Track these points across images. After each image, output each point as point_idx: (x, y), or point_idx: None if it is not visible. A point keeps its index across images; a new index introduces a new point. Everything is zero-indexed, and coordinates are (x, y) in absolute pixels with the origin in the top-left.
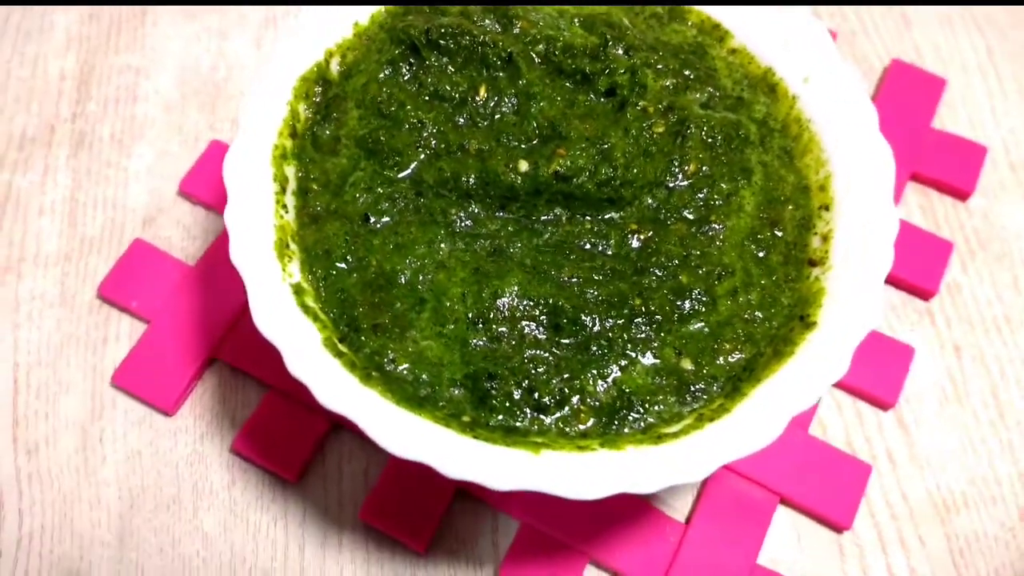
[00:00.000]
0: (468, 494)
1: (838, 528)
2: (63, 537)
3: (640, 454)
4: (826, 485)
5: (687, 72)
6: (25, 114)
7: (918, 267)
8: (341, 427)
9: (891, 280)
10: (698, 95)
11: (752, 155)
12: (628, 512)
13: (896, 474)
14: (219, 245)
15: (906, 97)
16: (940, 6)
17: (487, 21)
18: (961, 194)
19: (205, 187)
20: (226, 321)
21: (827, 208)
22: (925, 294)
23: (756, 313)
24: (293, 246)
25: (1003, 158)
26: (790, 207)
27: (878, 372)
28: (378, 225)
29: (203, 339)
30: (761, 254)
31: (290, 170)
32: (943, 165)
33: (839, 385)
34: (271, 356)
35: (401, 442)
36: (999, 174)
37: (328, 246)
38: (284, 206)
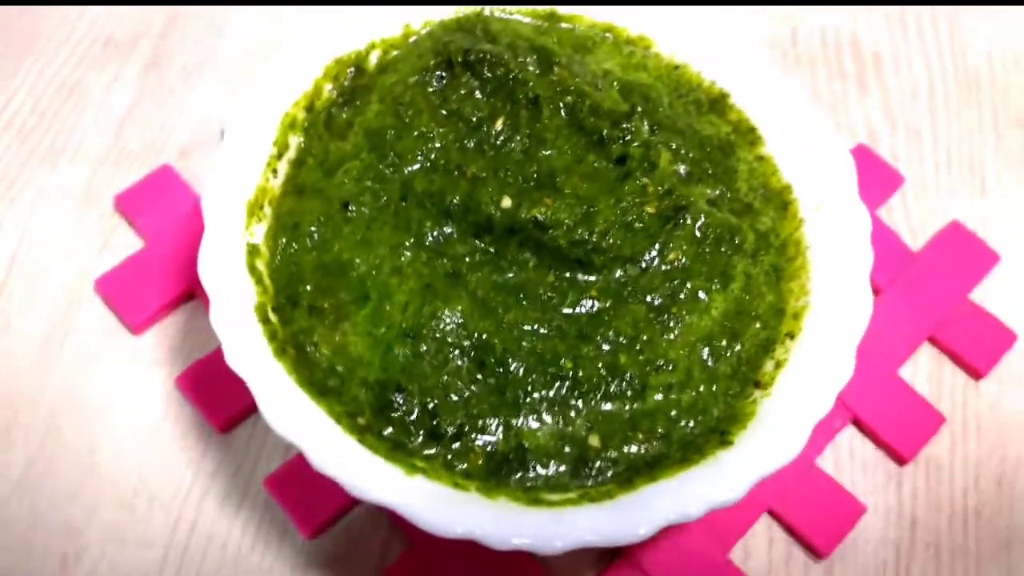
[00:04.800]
0: None
1: None
2: (6, 403)
3: (508, 509)
4: None
5: (706, 165)
6: (121, 19)
7: (901, 431)
8: None
9: (870, 434)
10: (709, 190)
11: (739, 264)
12: None
13: None
14: None
15: (952, 261)
16: None
17: (529, 59)
18: (975, 373)
19: None
20: None
21: (792, 337)
22: (900, 459)
23: (683, 417)
24: (267, 210)
25: None
26: (757, 325)
27: (822, 519)
28: (354, 215)
29: (187, 273)
30: (710, 362)
31: (294, 140)
32: (966, 339)
33: (778, 518)
34: None
35: (285, 422)
36: (1022, 365)
37: (299, 219)
38: (275, 171)
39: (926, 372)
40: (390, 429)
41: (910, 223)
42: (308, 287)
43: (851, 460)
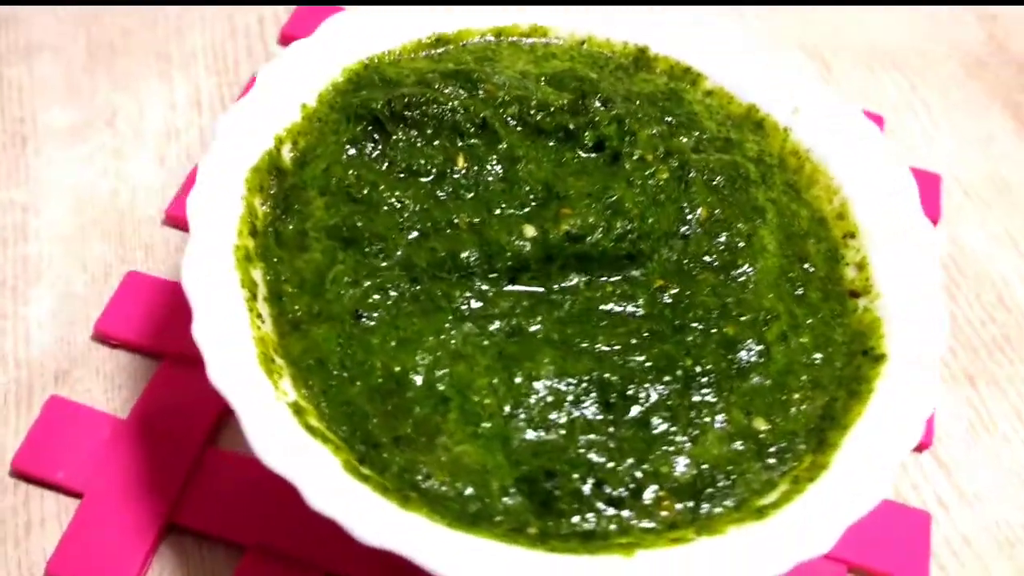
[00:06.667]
0: None
1: None
2: None
3: (745, 534)
4: (890, 543)
5: (668, 119)
6: None
7: None
8: None
9: None
10: (686, 140)
11: (758, 193)
12: None
13: (952, 518)
14: (152, 390)
15: None
16: (857, 52)
17: (449, 88)
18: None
19: (125, 326)
20: (179, 477)
21: (853, 236)
22: None
23: (814, 355)
24: (279, 360)
25: (955, 185)
26: (812, 240)
27: None
28: (372, 322)
29: (153, 504)
30: (799, 292)
31: (257, 274)
32: None
33: None
34: (244, 509)
35: (470, 573)
36: (955, 200)
37: (320, 354)
38: (259, 315)
39: None
40: (573, 519)
41: None
42: (376, 420)
43: None
